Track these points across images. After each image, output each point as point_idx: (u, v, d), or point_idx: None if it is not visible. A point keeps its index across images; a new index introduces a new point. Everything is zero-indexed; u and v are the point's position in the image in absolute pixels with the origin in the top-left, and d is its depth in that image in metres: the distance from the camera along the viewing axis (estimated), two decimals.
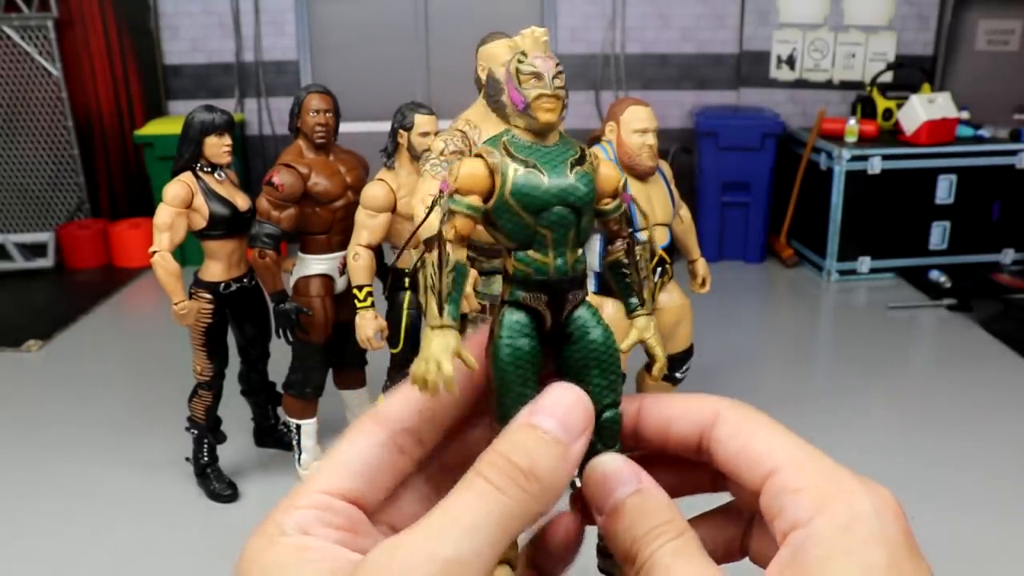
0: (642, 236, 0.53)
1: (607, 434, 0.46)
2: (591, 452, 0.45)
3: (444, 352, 0.43)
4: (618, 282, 0.51)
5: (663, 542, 0.39)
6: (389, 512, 0.43)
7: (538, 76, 0.46)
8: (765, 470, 0.40)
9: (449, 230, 0.45)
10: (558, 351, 0.47)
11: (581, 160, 0.47)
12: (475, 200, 0.45)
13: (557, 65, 0.47)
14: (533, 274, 0.46)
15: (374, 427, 0.43)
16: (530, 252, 0.46)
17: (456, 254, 0.45)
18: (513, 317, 0.46)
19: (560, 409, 0.40)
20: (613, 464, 0.43)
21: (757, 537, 0.45)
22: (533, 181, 0.45)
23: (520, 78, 0.46)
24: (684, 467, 0.46)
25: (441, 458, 0.45)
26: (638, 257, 0.50)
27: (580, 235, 0.47)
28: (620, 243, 0.50)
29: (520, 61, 0.46)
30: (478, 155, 0.46)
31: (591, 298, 0.49)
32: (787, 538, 0.38)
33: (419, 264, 0.46)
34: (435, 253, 0.45)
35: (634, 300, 0.50)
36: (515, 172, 0.45)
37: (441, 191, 0.46)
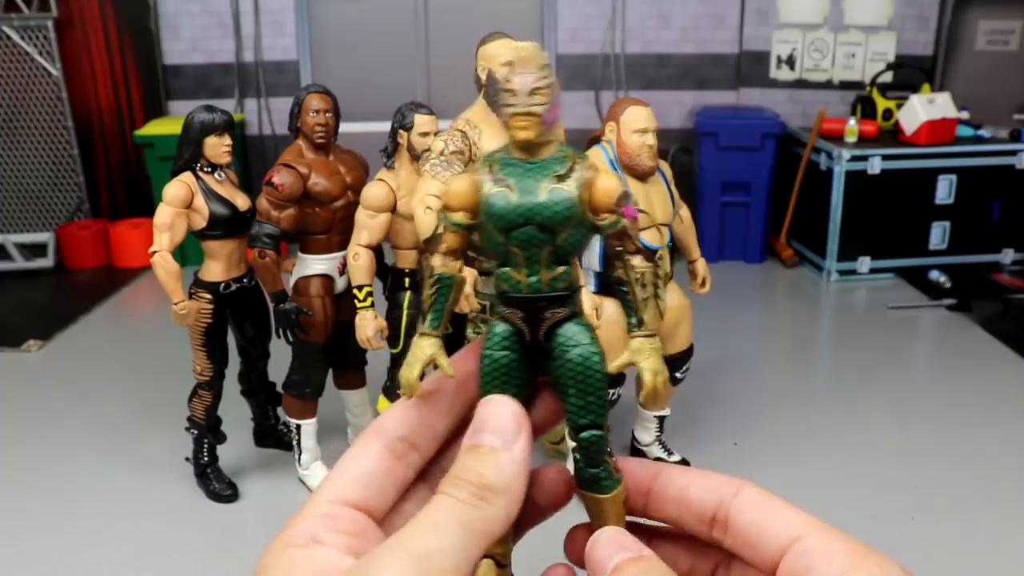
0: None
1: (587, 455, 0.46)
2: (579, 471, 0.47)
3: (417, 359, 0.46)
4: (620, 299, 0.49)
5: None
6: (395, 519, 0.45)
7: (514, 94, 0.45)
8: (791, 536, 0.41)
9: (440, 244, 0.47)
10: (547, 365, 0.48)
11: (565, 176, 0.46)
12: (461, 216, 0.46)
13: (539, 79, 0.45)
14: (508, 290, 0.47)
15: (371, 439, 0.46)
16: (506, 269, 0.46)
17: (444, 267, 0.47)
18: (496, 329, 0.47)
19: (491, 420, 0.43)
20: (616, 533, 0.45)
21: None
22: (502, 200, 0.45)
23: (504, 96, 0.46)
24: (690, 546, 0.47)
25: (441, 464, 0.47)
26: (639, 275, 0.48)
27: (558, 253, 0.46)
28: (619, 261, 0.48)
29: (505, 79, 0.46)
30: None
31: (590, 299, 0.48)
32: None
33: (419, 274, 0.48)
34: (426, 267, 0.47)
35: (632, 320, 0.48)
36: (488, 189, 0.46)
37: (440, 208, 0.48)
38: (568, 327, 0.47)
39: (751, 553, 0.43)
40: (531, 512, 0.46)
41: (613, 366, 0.47)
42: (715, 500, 0.44)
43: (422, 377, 0.46)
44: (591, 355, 0.46)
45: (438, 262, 0.47)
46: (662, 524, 0.47)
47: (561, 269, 0.46)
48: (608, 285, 0.53)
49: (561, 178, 0.46)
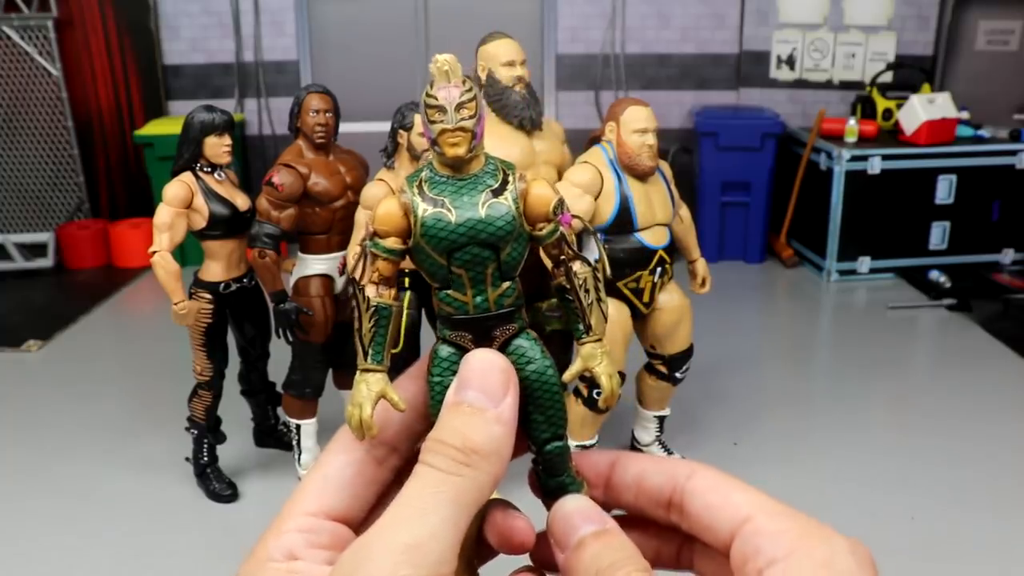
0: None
1: (550, 466, 0.46)
2: (544, 483, 0.46)
3: (366, 398, 0.43)
4: (566, 307, 0.48)
5: (630, 571, 0.40)
6: (371, 523, 0.43)
7: (441, 109, 0.44)
8: (741, 517, 0.41)
9: (372, 273, 0.45)
10: None
11: (500, 190, 0.44)
12: (393, 243, 0.45)
13: (464, 93, 0.44)
14: (454, 313, 0.45)
15: (351, 443, 0.44)
16: (449, 291, 0.45)
17: (380, 298, 0.45)
18: (442, 354, 0.45)
19: (476, 377, 0.42)
20: (579, 503, 0.44)
21: (700, 560, 0.45)
22: (441, 221, 0.43)
23: (427, 112, 0.44)
24: (654, 531, 0.46)
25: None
26: (582, 281, 0.47)
27: (504, 269, 0.45)
28: (561, 268, 0.47)
29: (427, 95, 0.44)
30: (394, 194, 0.45)
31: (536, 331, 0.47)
32: (763, 573, 0.39)
33: (351, 306, 0.46)
34: (362, 299, 0.45)
35: (580, 327, 0.47)
36: (424, 212, 0.44)
37: (367, 234, 0.45)
38: (518, 344, 0.45)
39: (707, 535, 0.42)
40: (487, 551, 0.45)
41: (567, 375, 0.46)
42: (670, 485, 0.44)
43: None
44: (545, 369, 0.45)
45: (372, 292, 0.45)
46: (622, 512, 0.47)
47: (506, 285, 0.45)
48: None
49: (496, 192, 0.44)
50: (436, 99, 0.44)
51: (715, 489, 0.43)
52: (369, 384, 0.44)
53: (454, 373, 0.44)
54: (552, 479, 0.46)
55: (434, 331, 0.48)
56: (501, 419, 0.41)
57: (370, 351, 0.45)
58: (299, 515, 0.42)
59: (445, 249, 0.44)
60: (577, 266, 0.47)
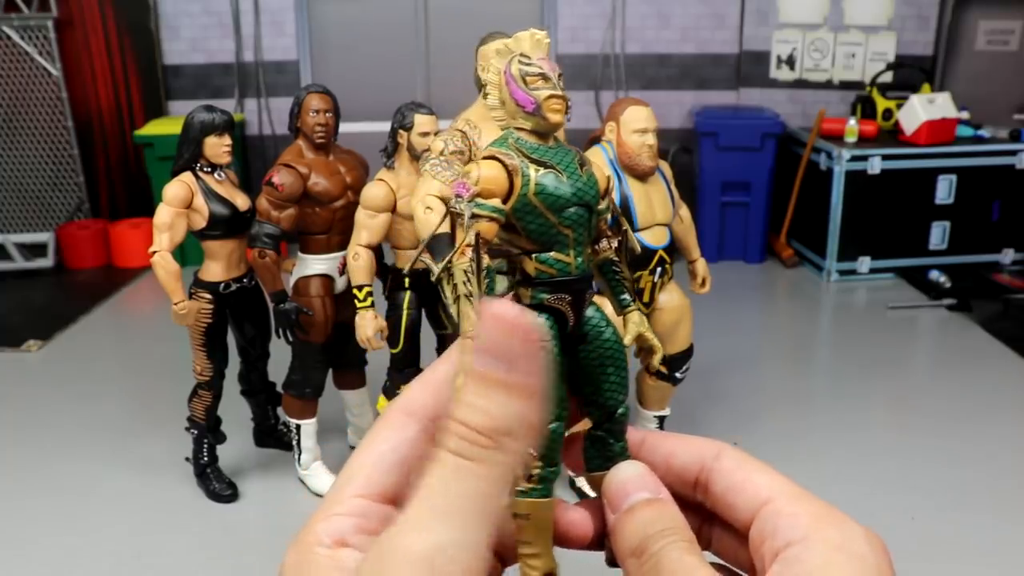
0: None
1: (617, 431, 0.46)
2: (604, 447, 0.46)
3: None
4: (609, 279, 0.51)
5: (675, 540, 0.41)
6: None
7: (545, 77, 0.46)
8: (761, 499, 0.42)
9: (473, 237, 0.44)
10: (572, 351, 0.47)
11: (583, 161, 0.47)
12: (499, 203, 0.45)
13: (556, 66, 0.47)
14: (557, 275, 0.46)
15: (406, 419, 0.41)
16: (552, 253, 0.46)
17: (489, 261, 0.44)
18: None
19: (489, 340, 0.35)
20: (637, 470, 0.45)
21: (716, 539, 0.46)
22: (555, 181, 0.45)
23: (527, 79, 0.46)
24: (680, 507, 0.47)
25: None
26: (628, 254, 0.50)
27: (591, 233, 0.47)
28: (606, 242, 0.50)
29: (524, 63, 0.46)
30: (492, 157, 0.45)
31: (596, 298, 0.48)
32: (779, 555, 0.39)
33: (445, 273, 0.44)
34: (466, 258, 0.43)
35: (626, 297, 0.50)
36: (537, 172, 0.45)
37: (459, 195, 0.44)
38: (592, 311, 0.47)
39: (729, 514, 0.44)
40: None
41: (628, 339, 0.49)
42: (697, 465, 0.45)
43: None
44: (615, 332, 0.48)
45: (488, 258, 0.43)
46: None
47: (590, 249, 0.48)
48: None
49: (583, 161, 0.47)
50: (540, 67, 0.46)
51: (739, 470, 0.44)
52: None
53: (552, 340, 0.44)
54: (617, 443, 0.47)
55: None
56: (531, 390, 0.35)
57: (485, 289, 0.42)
58: (349, 497, 0.40)
59: (559, 208, 0.45)
60: (616, 242, 0.50)
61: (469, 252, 0.43)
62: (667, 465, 0.46)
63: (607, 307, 0.50)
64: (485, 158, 0.46)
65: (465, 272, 0.43)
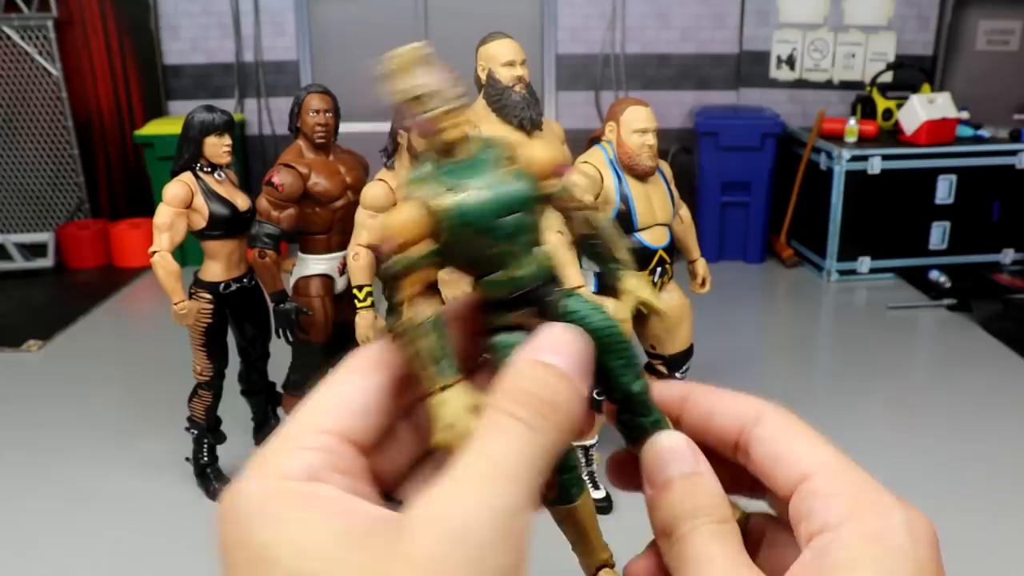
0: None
1: (642, 407, 0.45)
2: (637, 426, 0.45)
3: (465, 414, 0.39)
4: (590, 253, 0.48)
5: (705, 522, 0.39)
6: (373, 458, 0.39)
7: (436, 93, 0.42)
8: (800, 474, 0.39)
9: (412, 288, 0.42)
10: None
11: (507, 159, 0.43)
12: (427, 245, 0.42)
13: (450, 75, 0.42)
14: (509, 293, 0.43)
15: (374, 368, 0.40)
16: (494, 276, 0.42)
17: (427, 308, 0.41)
18: (507, 342, 0.42)
19: (562, 347, 0.39)
20: (674, 441, 0.42)
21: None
22: (475, 199, 0.41)
23: (411, 105, 0.42)
24: (726, 464, 0.45)
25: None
26: (601, 223, 0.47)
27: (538, 231, 0.44)
28: (577, 215, 0.46)
29: (402, 91, 0.42)
30: (403, 199, 0.43)
31: (592, 299, 0.47)
32: (812, 541, 0.37)
33: (397, 329, 0.41)
34: (406, 318, 0.41)
35: (613, 264, 0.47)
36: (451, 199, 0.41)
37: (380, 254, 0.42)
38: (571, 303, 0.44)
39: (770, 484, 0.41)
40: None
41: (623, 311, 0.47)
42: (736, 427, 0.43)
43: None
44: (606, 317, 0.44)
45: (426, 307, 0.41)
46: None
47: (544, 248, 0.44)
48: (606, 285, 0.51)
49: (510, 159, 0.43)
50: (430, 84, 0.42)
51: (779, 439, 0.41)
52: (461, 397, 0.39)
53: None
54: (646, 419, 0.45)
55: None
56: (582, 393, 0.38)
57: (444, 364, 0.40)
58: (315, 432, 0.36)
59: (488, 228, 0.42)
60: (590, 213, 0.47)
61: (415, 308, 0.41)
62: (706, 426, 0.44)
63: (608, 306, 0.48)
64: (399, 202, 0.43)
65: (411, 330, 0.41)
